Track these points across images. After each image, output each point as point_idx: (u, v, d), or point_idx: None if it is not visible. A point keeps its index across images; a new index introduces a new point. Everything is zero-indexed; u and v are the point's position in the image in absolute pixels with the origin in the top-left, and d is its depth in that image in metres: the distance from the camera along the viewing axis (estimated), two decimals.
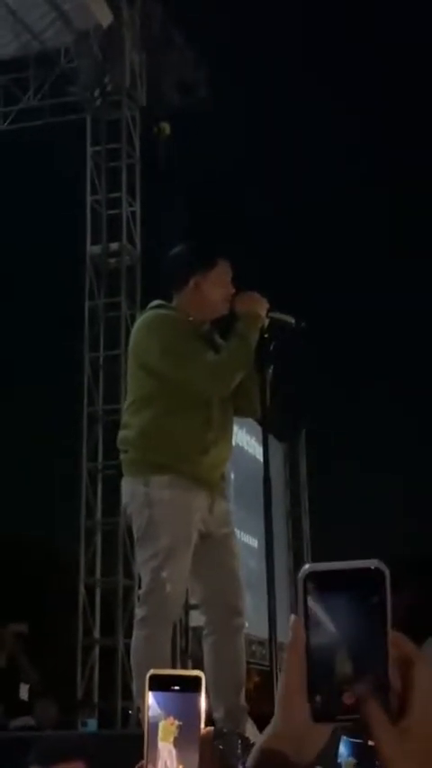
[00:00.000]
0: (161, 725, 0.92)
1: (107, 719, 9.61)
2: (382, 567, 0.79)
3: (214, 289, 3.47)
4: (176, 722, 0.92)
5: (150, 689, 0.94)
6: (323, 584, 0.79)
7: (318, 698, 0.78)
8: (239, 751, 2.68)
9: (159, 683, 0.94)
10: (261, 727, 3.25)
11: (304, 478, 16.97)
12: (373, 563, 0.79)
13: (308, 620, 0.79)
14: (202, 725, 0.92)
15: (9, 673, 6.71)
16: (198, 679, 0.94)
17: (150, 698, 0.93)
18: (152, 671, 0.95)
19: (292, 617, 0.81)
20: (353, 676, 0.77)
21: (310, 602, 0.79)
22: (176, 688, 0.93)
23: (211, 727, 0.93)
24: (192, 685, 0.94)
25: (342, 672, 0.78)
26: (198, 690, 0.93)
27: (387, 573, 0.79)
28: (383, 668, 0.77)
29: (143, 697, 0.94)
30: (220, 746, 2.44)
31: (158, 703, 0.93)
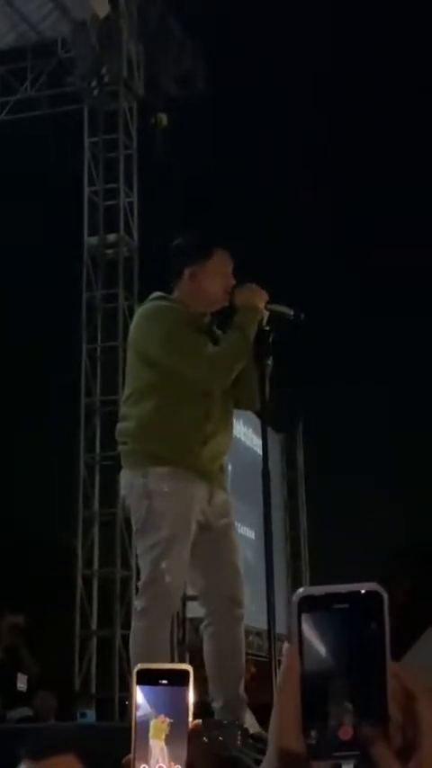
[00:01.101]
0: (152, 723, 0.92)
1: (105, 710, 9.64)
2: (381, 590, 0.75)
3: (212, 279, 3.46)
4: (167, 720, 0.92)
5: (138, 683, 0.93)
6: (319, 608, 0.75)
7: (313, 733, 0.73)
8: (239, 742, 2.70)
9: (147, 678, 0.93)
10: (258, 718, 3.27)
11: (301, 470, 17.01)
12: (371, 586, 0.75)
13: (302, 648, 0.75)
14: (191, 719, 0.92)
15: (6, 664, 6.71)
16: (186, 673, 0.94)
17: (139, 693, 0.93)
18: (140, 665, 0.94)
19: (286, 644, 0.76)
20: (350, 710, 0.73)
21: (305, 629, 0.75)
22: (164, 682, 0.93)
23: (199, 720, 0.93)
24: (180, 679, 0.93)
25: (338, 705, 0.73)
26: (186, 683, 0.93)
27: (386, 597, 0.75)
28: (383, 701, 0.73)
29: (131, 691, 0.93)
30: (220, 737, 2.45)
31: (148, 700, 0.92)
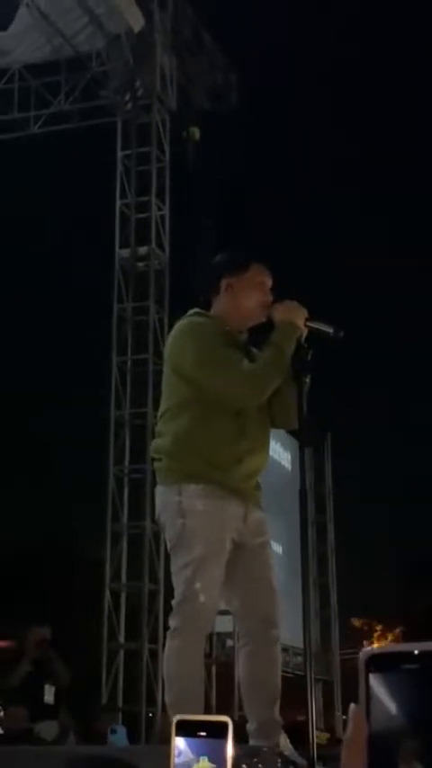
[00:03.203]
0: (194, 767, 0.91)
1: (131, 725, 9.60)
2: None
3: (249, 293, 3.43)
4: (210, 764, 0.91)
5: (177, 734, 0.92)
6: (387, 668, 0.73)
7: None
8: None
9: (186, 729, 0.93)
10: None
11: (329, 484, 16.91)
12: None
13: (369, 707, 0.73)
14: None
15: (34, 676, 6.69)
16: (225, 725, 0.93)
17: (179, 742, 0.92)
18: (178, 716, 0.93)
19: (353, 706, 0.74)
20: None
21: (373, 688, 0.73)
22: (203, 734, 0.92)
23: None
24: (219, 731, 0.92)
25: (408, 765, 0.71)
26: (225, 735, 0.92)
27: None
28: None
29: (169, 742, 0.93)
30: (260, 765, 2.41)
31: (189, 748, 0.92)
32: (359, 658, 0.74)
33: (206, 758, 0.91)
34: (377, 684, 0.73)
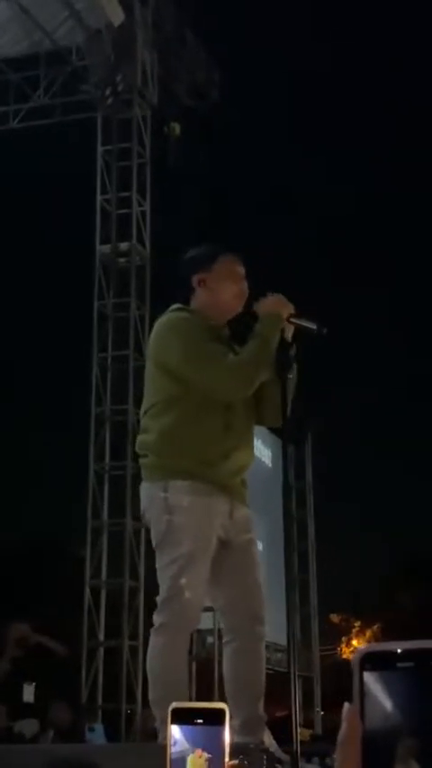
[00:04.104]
0: (189, 758, 0.91)
1: (111, 722, 9.58)
2: None
3: (222, 284, 3.42)
4: (205, 755, 0.91)
5: (173, 722, 0.92)
6: (382, 666, 0.72)
7: None
8: (264, 766, 2.65)
9: (182, 717, 0.92)
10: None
11: (310, 480, 16.96)
12: None
13: (364, 706, 0.72)
14: (227, 758, 0.90)
15: (13, 675, 6.65)
16: (222, 712, 0.92)
17: (174, 731, 0.92)
18: (174, 704, 0.93)
19: (346, 705, 0.73)
20: None
21: (368, 687, 0.72)
22: (200, 721, 0.92)
23: (236, 761, 0.91)
24: (216, 718, 0.92)
25: (404, 764, 0.70)
26: (222, 723, 0.92)
27: None
28: None
29: (165, 730, 0.93)
30: (246, 762, 2.40)
31: (185, 737, 0.91)
32: (353, 657, 0.74)
33: (200, 749, 0.91)
34: (372, 683, 0.73)
